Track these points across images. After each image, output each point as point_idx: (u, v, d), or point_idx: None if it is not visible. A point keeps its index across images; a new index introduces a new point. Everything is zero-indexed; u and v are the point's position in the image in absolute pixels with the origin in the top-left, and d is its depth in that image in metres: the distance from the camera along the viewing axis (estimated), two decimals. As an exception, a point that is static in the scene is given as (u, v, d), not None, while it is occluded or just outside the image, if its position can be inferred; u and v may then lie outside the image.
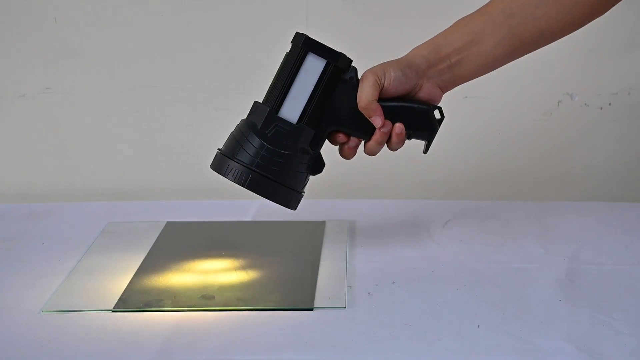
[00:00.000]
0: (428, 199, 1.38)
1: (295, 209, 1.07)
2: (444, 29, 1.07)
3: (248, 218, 1.29)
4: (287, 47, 1.08)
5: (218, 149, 1.06)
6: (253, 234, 1.23)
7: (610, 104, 1.46)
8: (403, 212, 1.30)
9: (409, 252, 1.15)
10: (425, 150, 1.08)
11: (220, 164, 1.04)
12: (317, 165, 1.06)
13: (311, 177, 1.08)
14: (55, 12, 1.43)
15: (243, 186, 1.03)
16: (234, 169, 1.02)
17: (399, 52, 1.08)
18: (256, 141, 1.02)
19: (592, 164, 1.50)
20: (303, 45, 1.03)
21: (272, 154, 1.02)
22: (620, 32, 1.42)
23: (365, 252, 1.15)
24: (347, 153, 1.07)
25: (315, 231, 1.22)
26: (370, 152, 1.07)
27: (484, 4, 1.07)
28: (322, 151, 1.07)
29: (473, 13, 1.07)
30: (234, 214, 1.31)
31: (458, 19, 1.08)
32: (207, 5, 1.44)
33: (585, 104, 1.47)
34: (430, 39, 1.06)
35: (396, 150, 1.07)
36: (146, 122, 1.48)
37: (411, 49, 1.08)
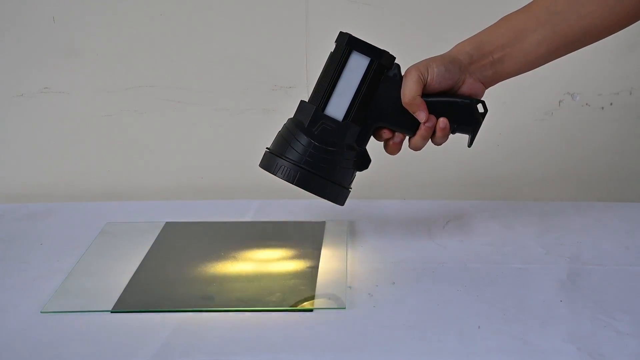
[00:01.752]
0: (428, 199, 1.37)
1: (343, 205, 1.08)
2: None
3: (248, 218, 1.29)
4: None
5: (267, 148, 1.07)
6: (253, 234, 1.23)
7: (611, 104, 1.46)
8: (403, 212, 1.30)
9: (409, 252, 1.14)
10: (470, 144, 1.10)
11: (269, 163, 1.06)
12: (363, 161, 1.08)
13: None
14: (53, 12, 1.43)
15: (292, 183, 1.05)
16: (283, 166, 1.04)
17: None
18: (304, 139, 1.04)
19: (592, 164, 1.50)
20: (347, 44, 1.04)
21: (320, 151, 1.04)
22: (622, 32, 1.42)
23: (365, 252, 1.15)
24: (392, 149, 1.09)
25: (315, 231, 1.22)
26: (415, 147, 1.08)
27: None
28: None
29: (518, 10, 1.07)
30: (234, 214, 1.30)
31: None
32: (207, 5, 1.43)
33: (587, 104, 1.46)
34: (474, 35, 1.07)
35: (440, 144, 1.08)
36: (146, 122, 1.48)
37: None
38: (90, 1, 1.43)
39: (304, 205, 1.33)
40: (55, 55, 1.45)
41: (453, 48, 1.07)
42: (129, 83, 1.46)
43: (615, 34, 1.41)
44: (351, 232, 1.22)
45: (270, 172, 1.05)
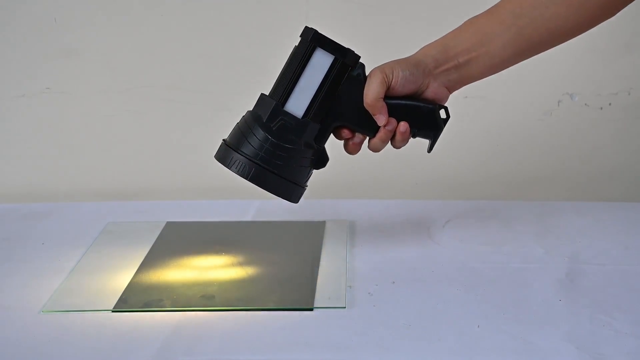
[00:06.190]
0: (428, 199, 1.37)
1: (297, 202, 1.07)
2: (449, 28, 1.07)
3: (248, 218, 1.29)
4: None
5: (223, 140, 1.06)
6: (253, 234, 1.23)
7: (610, 104, 1.46)
8: (403, 212, 1.30)
9: (409, 252, 1.15)
10: (430, 149, 1.08)
11: (224, 155, 1.04)
12: (321, 160, 1.06)
13: (314, 172, 1.08)
14: (55, 12, 1.43)
15: (246, 179, 1.03)
16: (238, 161, 1.03)
17: (397, 50, 1.08)
18: (261, 134, 1.02)
19: (592, 164, 1.50)
20: (312, 40, 1.02)
21: (276, 147, 1.02)
22: (620, 32, 1.42)
23: (365, 252, 1.15)
24: (351, 149, 1.07)
25: (315, 231, 1.22)
26: (374, 149, 1.07)
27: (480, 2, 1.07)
28: (327, 145, 1.07)
29: (482, 13, 1.06)
30: (234, 214, 1.30)
31: (458, 16, 1.07)
32: (207, 5, 1.44)
33: (586, 104, 1.47)
34: (439, 39, 1.06)
35: (400, 148, 1.07)
36: (146, 122, 1.48)
37: (409, 47, 1.08)
38: (92, 2, 1.43)
39: (304, 205, 1.33)
40: (57, 55, 1.45)
41: (419, 51, 1.06)
42: (129, 83, 1.46)
43: (615, 34, 1.41)
44: (351, 232, 1.22)
45: (224, 165, 1.04)
